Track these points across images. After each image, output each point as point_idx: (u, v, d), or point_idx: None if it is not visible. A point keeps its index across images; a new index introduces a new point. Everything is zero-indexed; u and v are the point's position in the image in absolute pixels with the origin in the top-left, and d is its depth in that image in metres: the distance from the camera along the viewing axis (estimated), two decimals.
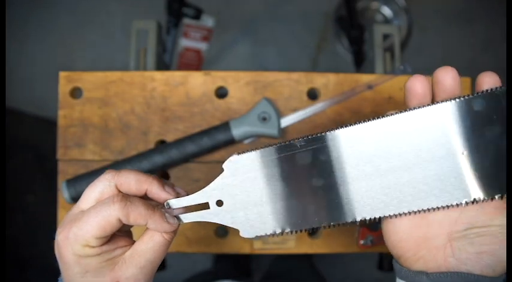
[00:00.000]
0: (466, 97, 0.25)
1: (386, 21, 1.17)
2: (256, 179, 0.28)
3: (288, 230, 0.28)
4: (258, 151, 0.27)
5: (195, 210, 0.28)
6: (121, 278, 0.27)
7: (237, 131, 0.43)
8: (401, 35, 1.17)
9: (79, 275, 0.27)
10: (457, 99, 0.25)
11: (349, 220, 0.27)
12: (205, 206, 0.28)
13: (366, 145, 0.26)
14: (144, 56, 0.51)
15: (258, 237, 0.28)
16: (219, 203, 0.28)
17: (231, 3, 1.20)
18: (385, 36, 0.52)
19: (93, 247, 0.26)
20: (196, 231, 0.45)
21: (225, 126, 0.43)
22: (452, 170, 0.26)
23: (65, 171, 0.45)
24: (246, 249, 0.45)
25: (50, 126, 1.13)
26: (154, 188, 0.28)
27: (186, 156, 0.43)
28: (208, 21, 0.87)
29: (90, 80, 0.45)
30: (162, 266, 0.50)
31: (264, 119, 0.43)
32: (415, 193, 0.26)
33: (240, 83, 0.46)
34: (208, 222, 0.28)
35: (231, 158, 0.28)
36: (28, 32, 1.20)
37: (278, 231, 0.28)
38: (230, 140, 0.43)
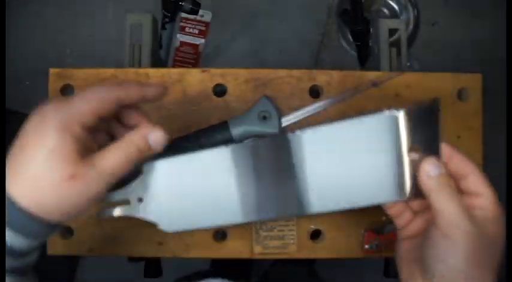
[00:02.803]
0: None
1: (393, 15, 1.15)
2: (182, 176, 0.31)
3: (206, 226, 0.32)
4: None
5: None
6: (84, 178, 0.24)
7: (236, 131, 0.41)
8: (408, 29, 1.15)
9: (44, 156, 0.22)
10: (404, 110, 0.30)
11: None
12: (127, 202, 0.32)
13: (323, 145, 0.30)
14: (138, 52, 0.49)
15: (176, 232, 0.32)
16: (140, 200, 0.32)
17: None
18: (391, 31, 0.50)
19: (83, 129, 0.24)
20: (194, 236, 0.43)
21: (223, 125, 0.41)
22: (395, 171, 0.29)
23: None
24: (245, 254, 0.43)
25: None
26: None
27: None
28: (206, 15, 0.85)
29: (81, 77, 0.43)
30: (158, 272, 0.48)
31: (264, 117, 0.42)
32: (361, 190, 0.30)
33: (239, 81, 0.44)
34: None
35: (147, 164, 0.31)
36: (17, 27, 1.18)
37: (203, 226, 0.32)
38: (229, 140, 0.41)
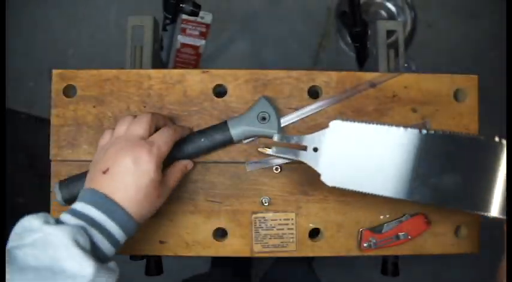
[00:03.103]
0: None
1: (390, 17, 1.15)
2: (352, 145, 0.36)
3: (366, 190, 0.36)
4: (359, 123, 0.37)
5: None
6: (162, 194, 0.37)
7: (235, 131, 0.41)
8: (405, 31, 1.15)
9: (146, 184, 0.34)
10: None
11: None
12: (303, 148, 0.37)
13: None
14: (140, 53, 0.49)
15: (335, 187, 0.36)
16: (315, 150, 0.37)
17: None
18: (389, 33, 0.51)
19: (164, 159, 0.37)
20: (195, 234, 0.44)
21: (223, 126, 0.42)
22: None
23: (58, 172, 0.44)
24: (245, 253, 0.44)
25: (42, 125, 1.12)
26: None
27: (183, 156, 0.41)
28: (207, 17, 0.85)
29: (84, 78, 0.44)
30: (159, 270, 0.49)
31: (264, 118, 0.42)
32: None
33: (239, 81, 0.44)
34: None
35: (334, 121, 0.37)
36: (20, 29, 1.19)
37: (357, 189, 0.36)
38: (228, 141, 0.42)
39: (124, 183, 0.34)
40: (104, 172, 0.34)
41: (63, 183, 0.40)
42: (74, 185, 0.40)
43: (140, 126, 0.37)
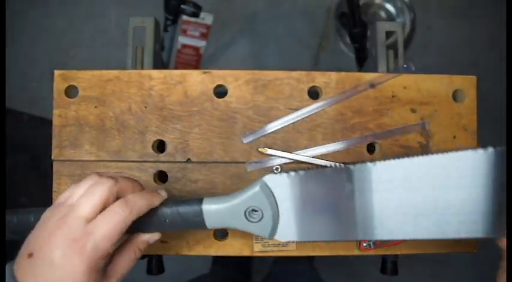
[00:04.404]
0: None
1: (390, 18, 1.16)
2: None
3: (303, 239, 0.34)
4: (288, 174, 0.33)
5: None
6: (117, 277, 0.30)
7: (210, 221, 0.33)
8: (404, 32, 1.16)
9: None
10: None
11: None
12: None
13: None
14: (141, 54, 0.50)
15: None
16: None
17: (231, 0, 1.18)
18: (388, 34, 0.51)
19: (105, 257, 0.28)
20: (196, 234, 0.44)
21: (196, 209, 0.33)
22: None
23: (60, 172, 0.44)
24: (246, 252, 0.44)
25: (44, 125, 1.12)
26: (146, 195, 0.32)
27: (140, 228, 0.33)
28: (207, 18, 0.86)
29: (86, 79, 0.44)
30: (160, 269, 0.49)
31: (254, 211, 0.33)
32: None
33: (239, 82, 0.45)
34: None
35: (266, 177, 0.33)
36: (22, 30, 1.19)
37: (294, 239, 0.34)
38: (202, 226, 0.34)
39: (45, 278, 0.27)
40: (29, 256, 0.28)
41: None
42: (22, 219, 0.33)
43: (88, 203, 0.29)
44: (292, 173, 0.33)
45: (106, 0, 1.19)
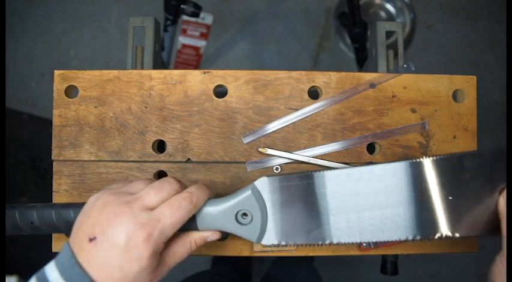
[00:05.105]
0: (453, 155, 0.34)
1: (390, 18, 1.16)
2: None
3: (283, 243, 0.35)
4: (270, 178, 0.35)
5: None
6: (158, 276, 0.30)
7: (201, 222, 0.34)
8: (405, 32, 1.16)
9: (141, 273, 0.28)
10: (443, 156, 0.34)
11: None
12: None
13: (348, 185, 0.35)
14: (141, 54, 0.50)
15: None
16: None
17: (231, 0, 1.18)
18: (388, 34, 0.51)
19: (164, 244, 0.30)
20: None
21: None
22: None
23: (60, 172, 0.44)
24: (246, 252, 0.44)
25: (44, 125, 1.12)
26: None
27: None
28: (207, 18, 0.86)
29: (86, 79, 0.44)
30: None
31: (245, 214, 0.34)
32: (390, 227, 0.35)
33: (239, 82, 0.45)
34: None
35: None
36: (23, 30, 1.19)
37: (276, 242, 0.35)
38: (194, 228, 0.35)
39: (108, 262, 0.28)
40: (91, 240, 0.28)
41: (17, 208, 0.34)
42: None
43: (157, 196, 0.30)
44: (280, 177, 0.35)
45: (106, 0, 1.19)
